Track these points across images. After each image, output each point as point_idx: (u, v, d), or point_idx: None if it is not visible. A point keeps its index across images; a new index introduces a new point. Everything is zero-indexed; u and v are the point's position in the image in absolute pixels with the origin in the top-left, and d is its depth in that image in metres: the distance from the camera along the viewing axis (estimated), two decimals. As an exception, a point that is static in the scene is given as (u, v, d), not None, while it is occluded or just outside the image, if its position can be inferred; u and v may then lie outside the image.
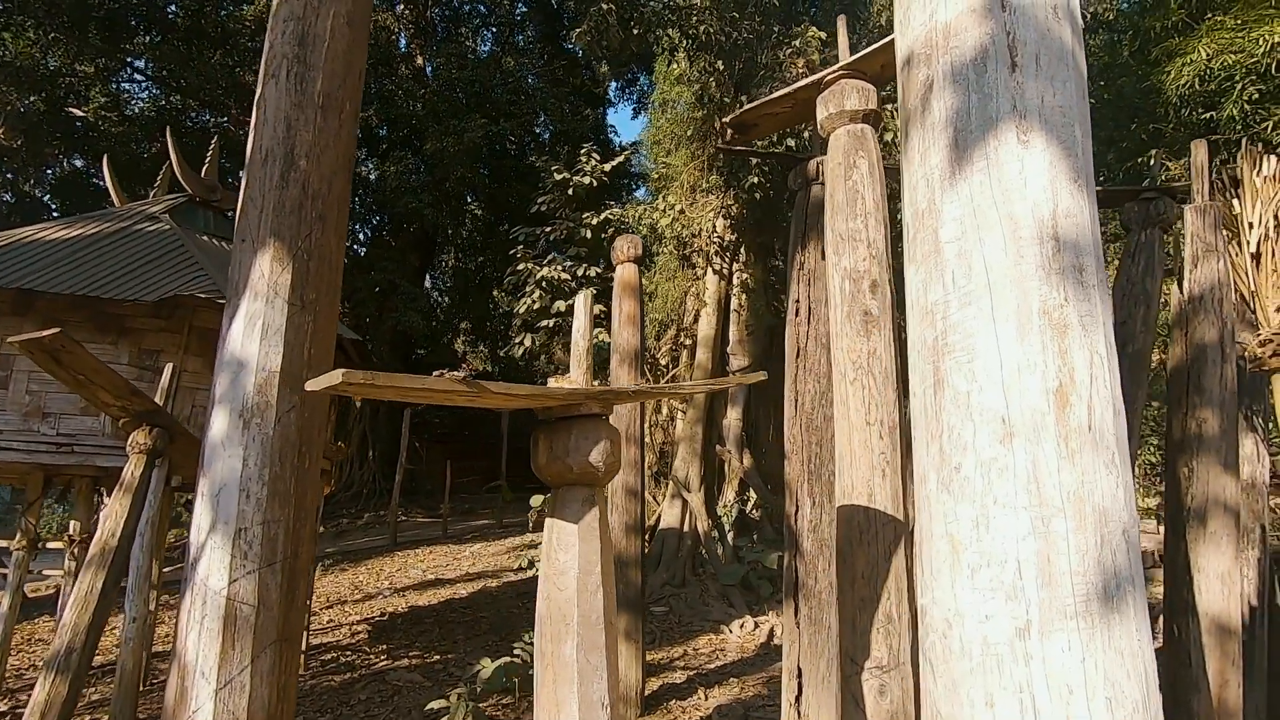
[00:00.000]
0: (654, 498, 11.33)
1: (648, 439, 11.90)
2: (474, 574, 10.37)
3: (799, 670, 3.76)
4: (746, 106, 3.53)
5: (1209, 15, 15.15)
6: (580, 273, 11.40)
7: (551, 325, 11.44)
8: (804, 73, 7.22)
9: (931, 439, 1.65)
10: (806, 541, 3.89)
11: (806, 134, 7.64)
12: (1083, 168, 1.65)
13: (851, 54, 3.41)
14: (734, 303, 11.44)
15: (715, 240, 11.30)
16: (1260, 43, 13.27)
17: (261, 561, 2.59)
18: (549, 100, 20.38)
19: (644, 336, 6.21)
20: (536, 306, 11.21)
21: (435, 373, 1.39)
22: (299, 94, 2.95)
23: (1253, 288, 3.79)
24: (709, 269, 11.49)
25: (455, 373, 1.36)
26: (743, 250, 11.47)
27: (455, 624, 7.63)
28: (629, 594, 5.23)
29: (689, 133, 11.31)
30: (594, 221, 11.77)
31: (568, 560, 1.59)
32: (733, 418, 10.98)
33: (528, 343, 11.33)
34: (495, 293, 23.26)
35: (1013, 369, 1.53)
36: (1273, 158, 3.78)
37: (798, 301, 4.24)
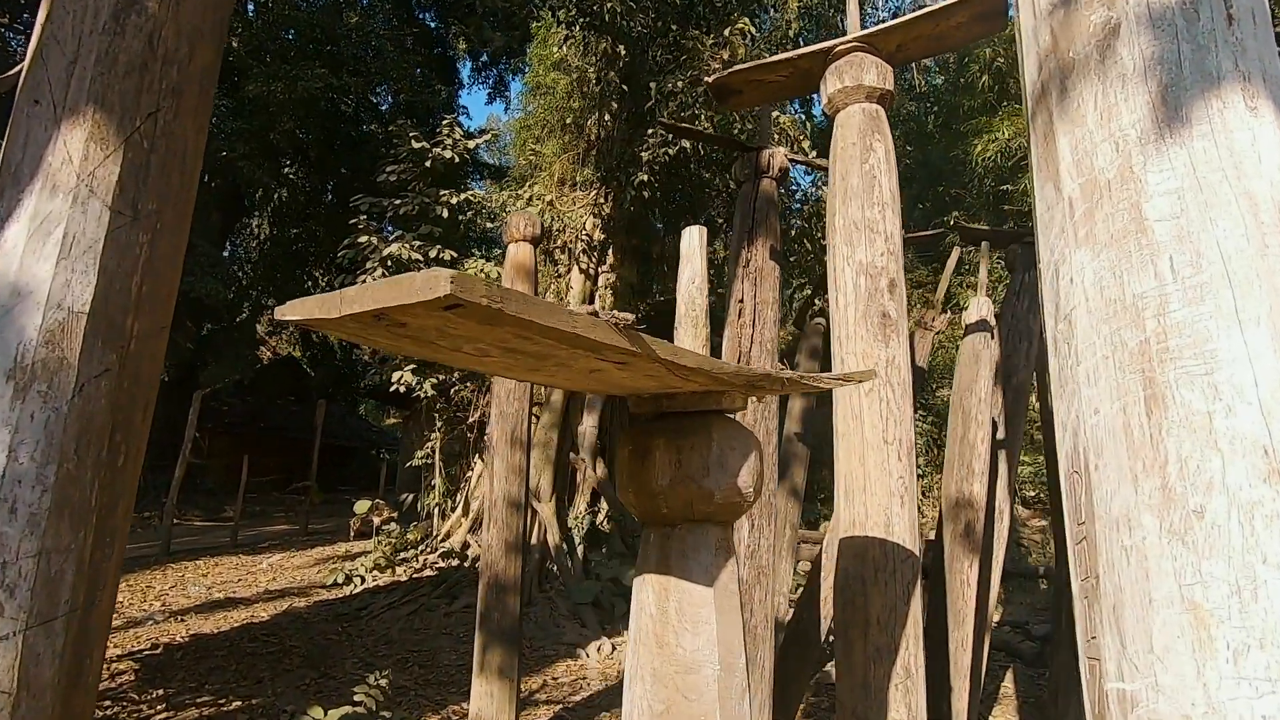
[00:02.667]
0: (497, 506, 10.45)
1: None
2: (275, 592, 8.77)
3: (728, 717, 3.30)
4: (733, 69, 3.07)
5: (1007, 103, 17.68)
6: (434, 254, 10.25)
7: (394, 309, 10.15)
8: (718, 69, 6.99)
9: (1146, 470, 1.27)
10: (743, 568, 3.47)
11: (706, 119, 7.42)
12: (1304, 152, 1.38)
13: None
14: (597, 304, 10.97)
15: (584, 238, 10.77)
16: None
17: (32, 617, 1.60)
18: (399, 66, 18.60)
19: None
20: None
21: (586, 308, 0.72)
22: (155, -97, 1.98)
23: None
24: (574, 267, 10.93)
25: (619, 314, 0.71)
26: (611, 251, 11.06)
27: (257, 657, 6.24)
28: (506, 624, 4.48)
29: (568, 121, 10.71)
30: (454, 200, 10.69)
31: (700, 649, 0.95)
32: (588, 424, 10.48)
33: (365, 326, 9.93)
34: (315, 271, 20.75)
35: (1273, 387, 1.20)
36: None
37: (741, 301, 3.86)
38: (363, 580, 9.18)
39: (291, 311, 0.67)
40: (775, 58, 2.98)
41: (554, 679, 6.16)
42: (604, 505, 10.16)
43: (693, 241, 1.24)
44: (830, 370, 2.64)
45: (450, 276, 0.55)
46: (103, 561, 1.79)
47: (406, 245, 10.25)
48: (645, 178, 7.86)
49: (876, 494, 2.33)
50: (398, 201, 10.86)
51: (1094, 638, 1.31)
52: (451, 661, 6.33)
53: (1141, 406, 1.29)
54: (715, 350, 4.06)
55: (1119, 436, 1.32)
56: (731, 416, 1.07)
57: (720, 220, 9.72)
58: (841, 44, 2.79)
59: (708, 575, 1.02)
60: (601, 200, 10.67)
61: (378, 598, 8.41)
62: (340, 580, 9.05)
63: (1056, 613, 5.51)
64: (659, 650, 1.01)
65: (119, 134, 1.87)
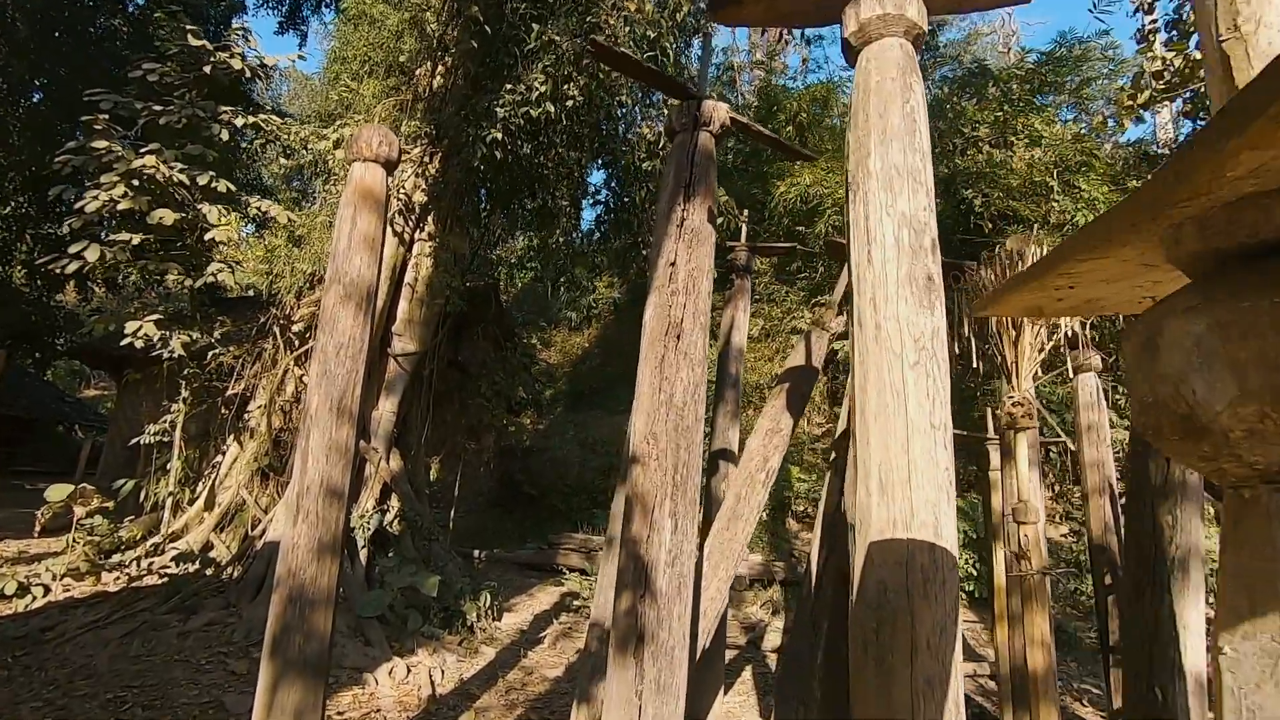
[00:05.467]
0: (256, 500, 8.59)
1: (259, 425, 9.07)
2: (-105, 608, 6.17)
3: (636, 760, 2.71)
4: (743, -30, 2.54)
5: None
6: (206, 182, 8.20)
7: (139, 242, 7.92)
8: (612, 21, 6.38)
9: None
10: (663, 578, 2.92)
11: (583, 84, 6.75)
12: None
13: None
14: (410, 275, 9.67)
15: (402, 197, 9.44)
16: (842, 184, 17.55)
17: None
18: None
19: (379, 275, 4.32)
20: (121, 208, 7.59)
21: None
22: None
23: (1014, 358, 4.31)
24: (389, 228, 9.51)
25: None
26: (433, 217, 9.83)
27: None
28: (311, 649, 3.36)
29: (400, 60, 9.33)
30: (239, 122, 8.70)
31: None
32: (386, 410, 9.11)
33: (91, 256, 7.55)
34: (7, 184, 16.00)
35: None
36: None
37: (674, 265, 3.34)
38: (47, 591, 6.87)
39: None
40: (795, -31, 2.52)
41: (339, 713, 4.97)
42: (395, 503, 8.85)
43: None
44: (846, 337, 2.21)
45: None
46: None
47: (163, 162, 8.04)
48: (499, 136, 6.96)
49: (925, 489, 1.93)
50: (159, 108, 8.54)
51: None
52: (193, 699, 4.82)
53: None
54: (639, 316, 3.47)
55: None
56: None
57: (565, 203, 9.07)
58: (874, -30, 2.41)
59: None
60: (428, 159, 9.45)
61: (73, 614, 6.29)
62: (11, 591, 6.65)
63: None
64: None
65: None
